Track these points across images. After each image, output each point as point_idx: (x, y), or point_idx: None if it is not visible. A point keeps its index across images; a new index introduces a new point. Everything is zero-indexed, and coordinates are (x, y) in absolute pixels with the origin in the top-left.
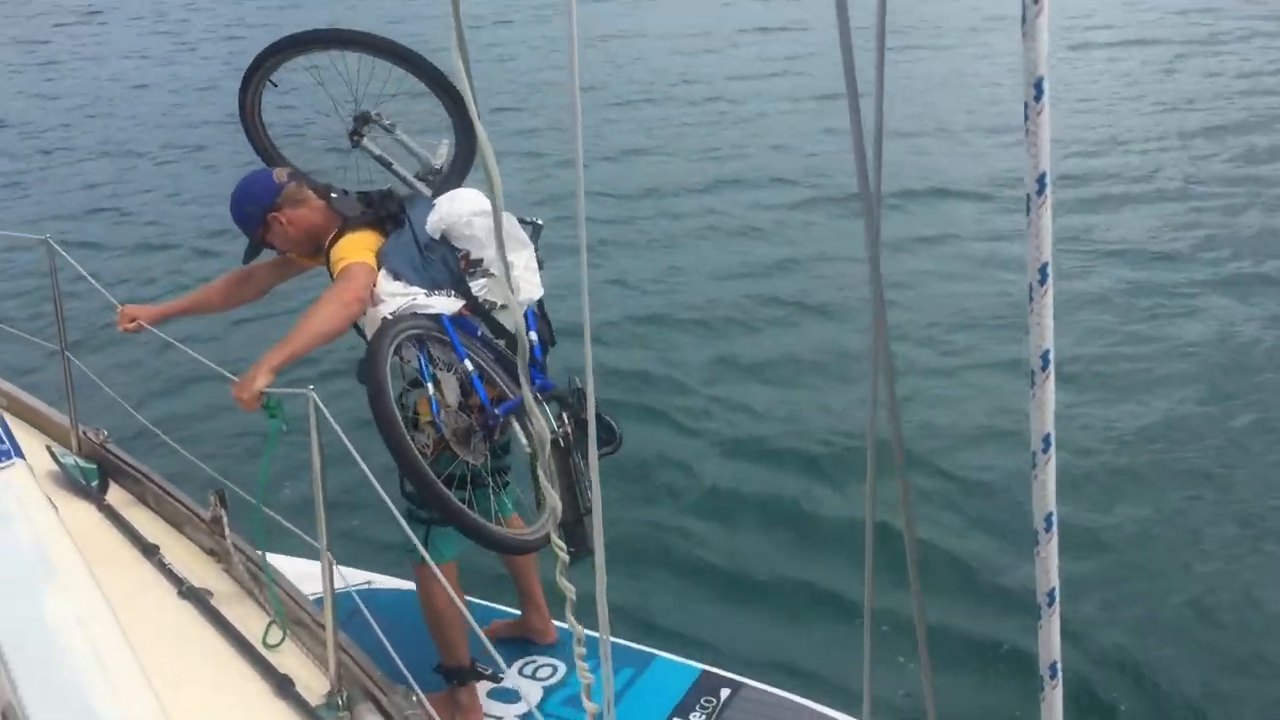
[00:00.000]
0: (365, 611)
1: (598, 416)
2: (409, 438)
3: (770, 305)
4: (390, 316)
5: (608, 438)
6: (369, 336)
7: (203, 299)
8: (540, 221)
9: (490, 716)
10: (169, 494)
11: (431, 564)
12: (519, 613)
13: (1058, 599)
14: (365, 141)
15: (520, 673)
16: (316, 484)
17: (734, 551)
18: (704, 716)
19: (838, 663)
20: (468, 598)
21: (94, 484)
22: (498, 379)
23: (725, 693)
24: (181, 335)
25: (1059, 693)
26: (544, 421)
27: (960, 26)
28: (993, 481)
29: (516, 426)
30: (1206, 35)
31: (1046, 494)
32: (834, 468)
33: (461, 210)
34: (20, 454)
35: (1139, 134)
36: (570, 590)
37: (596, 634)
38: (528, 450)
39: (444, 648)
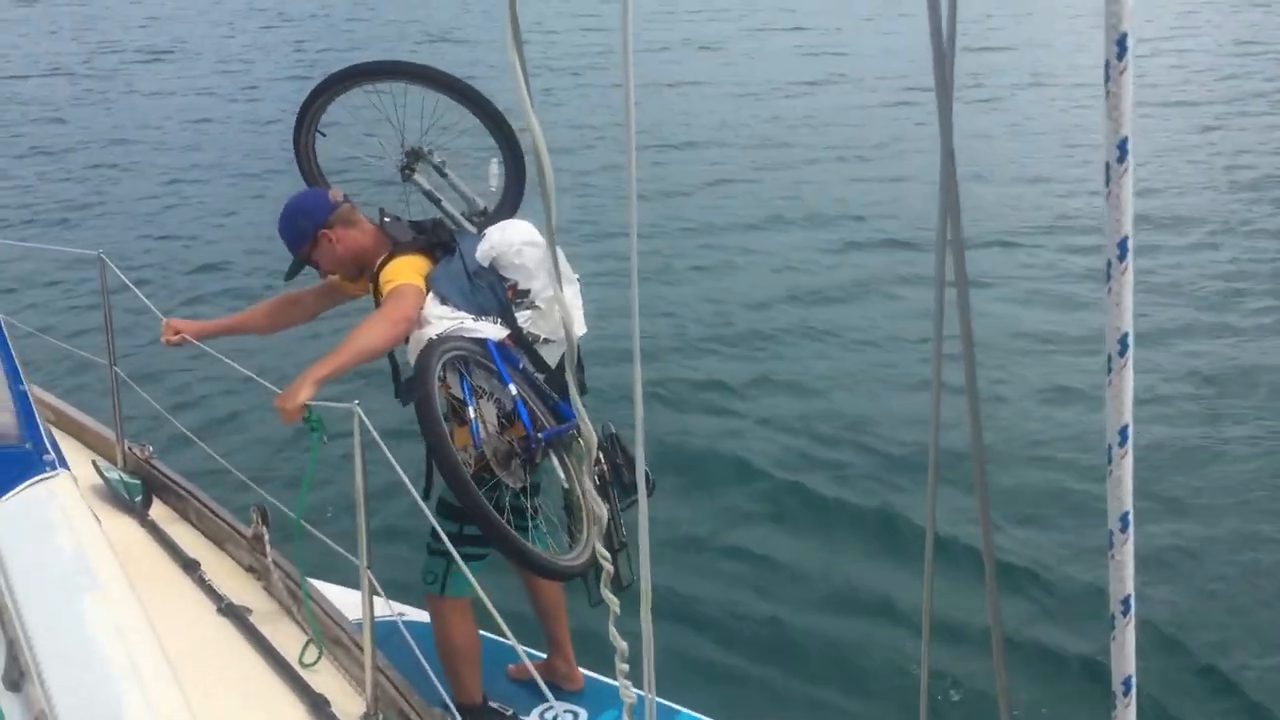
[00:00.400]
0: (404, 631)
1: (633, 464)
2: (454, 449)
3: (819, 338)
4: (436, 337)
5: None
6: (413, 358)
7: (248, 319)
8: (578, 277)
9: None
10: (211, 510)
11: (462, 566)
12: (543, 655)
13: (1133, 608)
14: (416, 176)
15: (541, 717)
16: (358, 498)
17: (764, 599)
18: None
19: None
20: (491, 636)
21: (138, 499)
22: (537, 410)
23: None
24: (224, 349)
25: (1133, 710)
26: (591, 429)
27: (1005, 84)
28: (1041, 497)
29: (554, 458)
30: (1252, 93)
31: (1123, 492)
32: (877, 503)
33: (512, 239)
34: (65, 465)
35: (1181, 185)
36: (614, 603)
37: (643, 693)
38: (564, 486)
39: (456, 684)
